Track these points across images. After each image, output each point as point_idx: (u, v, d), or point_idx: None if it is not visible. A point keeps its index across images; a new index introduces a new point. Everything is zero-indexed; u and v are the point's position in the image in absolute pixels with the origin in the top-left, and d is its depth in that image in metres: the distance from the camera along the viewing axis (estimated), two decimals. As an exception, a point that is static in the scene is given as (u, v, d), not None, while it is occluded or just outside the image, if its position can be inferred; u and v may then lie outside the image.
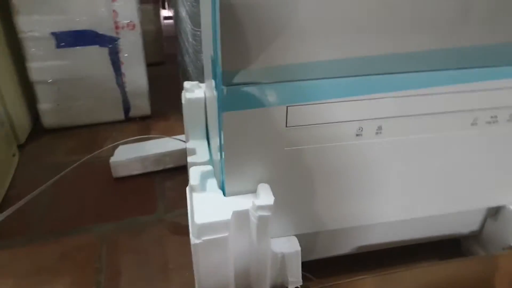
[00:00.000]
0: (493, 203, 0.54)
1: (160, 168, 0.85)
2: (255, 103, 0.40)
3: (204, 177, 0.46)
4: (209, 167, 0.47)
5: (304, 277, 0.49)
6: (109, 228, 0.70)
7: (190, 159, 0.54)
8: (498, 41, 0.42)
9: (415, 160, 0.47)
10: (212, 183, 0.46)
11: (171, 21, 1.66)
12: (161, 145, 0.86)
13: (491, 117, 0.45)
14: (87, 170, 0.84)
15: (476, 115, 0.45)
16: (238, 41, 0.36)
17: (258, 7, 0.35)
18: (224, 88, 0.38)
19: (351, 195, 0.48)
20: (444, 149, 0.47)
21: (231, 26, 0.35)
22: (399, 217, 0.52)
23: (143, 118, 1.08)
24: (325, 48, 0.39)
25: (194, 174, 0.45)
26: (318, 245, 0.54)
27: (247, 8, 0.35)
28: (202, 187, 0.45)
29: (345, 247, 0.56)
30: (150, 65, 1.39)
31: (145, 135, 0.95)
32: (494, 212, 0.56)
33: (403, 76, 0.41)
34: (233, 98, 0.39)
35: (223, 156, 0.42)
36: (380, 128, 0.44)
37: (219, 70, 0.38)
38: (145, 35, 1.00)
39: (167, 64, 1.45)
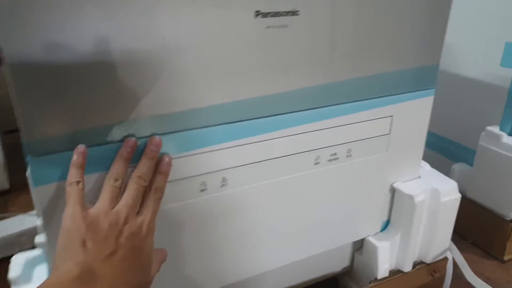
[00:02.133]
0: (355, 237, 0.55)
1: (16, 251, 0.73)
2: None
3: (30, 265, 0.39)
4: (36, 252, 0.40)
5: None
6: None
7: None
8: (333, 80, 0.43)
9: (268, 207, 0.46)
10: (42, 271, 0.39)
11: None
12: (16, 224, 0.74)
13: (331, 155, 0.46)
14: None
15: (318, 154, 0.46)
16: (39, 108, 0.32)
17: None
18: (31, 159, 0.33)
19: (218, 251, 0.45)
20: (294, 191, 0.46)
21: (28, 94, 0.31)
22: (272, 266, 0.50)
23: (0, 194, 0.94)
24: (150, 105, 0.36)
25: (15, 264, 0.38)
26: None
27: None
28: (26, 279, 0.37)
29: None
30: (10, 132, 1.25)
31: (-1, 213, 0.81)
32: (359, 246, 0.57)
33: (239, 125, 0.41)
34: (45, 169, 0.34)
35: (47, 238, 0.36)
36: (225, 180, 0.42)
37: (23, 139, 0.33)
38: (1, 99, 0.88)
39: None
